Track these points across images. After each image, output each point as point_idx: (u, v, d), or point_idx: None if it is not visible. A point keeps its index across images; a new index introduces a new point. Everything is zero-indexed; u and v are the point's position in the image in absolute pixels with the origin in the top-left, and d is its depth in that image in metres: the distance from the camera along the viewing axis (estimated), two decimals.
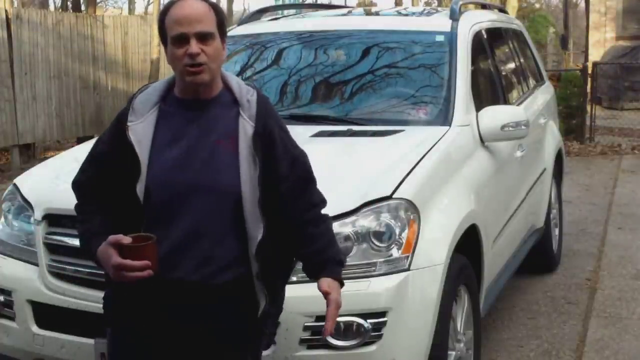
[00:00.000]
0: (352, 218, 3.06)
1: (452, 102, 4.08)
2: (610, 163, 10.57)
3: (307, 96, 4.47)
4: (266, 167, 2.34)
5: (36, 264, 3.37)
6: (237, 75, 4.59)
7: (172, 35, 2.30)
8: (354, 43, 4.65)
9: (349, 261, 3.03)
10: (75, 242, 2.96)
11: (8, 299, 3.43)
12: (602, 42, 18.88)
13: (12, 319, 3.43)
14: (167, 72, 11.23)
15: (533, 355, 4.39)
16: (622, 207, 7.81)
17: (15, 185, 3.67)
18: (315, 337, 2.96)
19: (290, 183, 2.39)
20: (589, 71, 12.68)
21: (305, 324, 2.95)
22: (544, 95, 6.07)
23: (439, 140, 3.74)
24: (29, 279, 3.38)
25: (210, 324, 2.37)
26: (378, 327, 2.96)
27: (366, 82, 4.46)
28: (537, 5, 39.97)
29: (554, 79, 11.35)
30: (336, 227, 3.02)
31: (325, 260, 2.41)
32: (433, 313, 3.13)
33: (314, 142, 3.77)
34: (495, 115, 4.15)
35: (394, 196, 3.16)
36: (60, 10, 21.54)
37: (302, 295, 2.96)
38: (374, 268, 3.03)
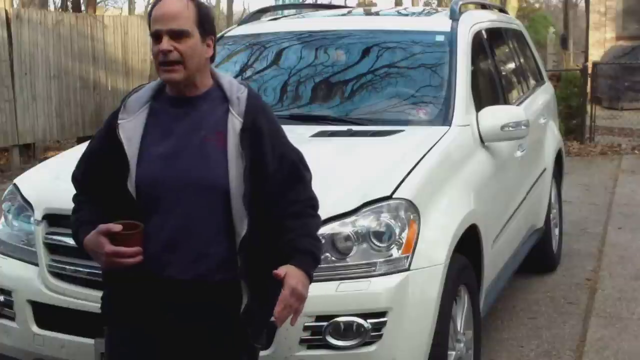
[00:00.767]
0: (352, 218, 3.06)
1: (452, 102, 4.08)
2: (610, 163, 10.57)
3: (307, 96, 4.47)
4: (254, 163, 2.33)
5: (36, 264, 3.38)
6: (237, 75, 4.64)
7: (150, 32, 2.35)
8: (354, 43, 4.65)
9: (349, 261, 3.04)
10: None
11: (8, 299, 3.43)
12: (602, 42, 18.87)
13: (12, 319, 3.43)
14: None
15: (533, 355, 4.39)
16: (622, 207, 7.81)
17: (15, 185, 3.67)
18: (315, 337, 2.96)
19: (278, 180, 2.37)
20: (589, 71, 12.68)
21: (305, 324, 2.94)
22: (544, 95, 6.07)
23: (439, 141, 3.74)
24: (29, 279, 3.38)
25: (205, 322, 2.37)
26: (378, 327, 2.96)
27: (366, 82, 4.46)
28: (537, 5, 39.99)
29: (554, 79, 11.34)
30: (336, 227, 3.04)
31: (295, 249, 2.34)
32: (433, 313, 3.13)
33: (314, 142, 3.77)
34: (495, 115, 4.15)
35: (394, 196, 3.16)
36: (60, 10, 21.53)
37: None
38: (374, 268, 3.04)
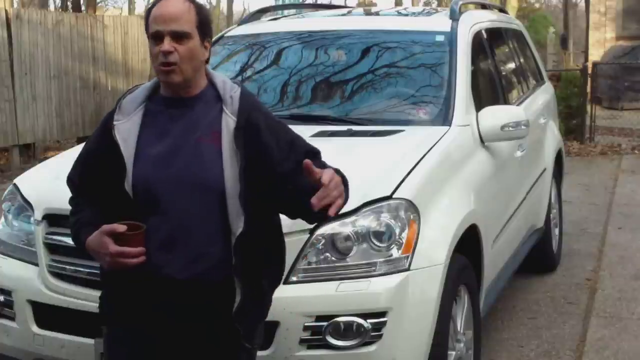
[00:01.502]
0: (352, 218, 3.06)
1: (452, 102, 4.08)
2: (610, 163, 10.57)
3: (307, 96, 4.47)
4: (253, 160, 2.32)
5: (36, 264, 3.38)
6: (237, 75, 4.64)
7: (149, 33, 2.34)
8: (354, 43, 4.65)
9: (349, 261, 3.04)
10: None
11: (8, 299, 3.43)
12: (602, 42, 18.87)
13: (12, 319, 3.43)
14: None
15: (533, 355, 4.39)
16: (622, 207, 7.81)
17: (15, 185, 3.68)
18: (315, 337, 2.96)
19: (292, 162, 2.33)
20: (589, 71, 12.68)
21: (305, 324, 2.95)
22: (544, 95, 6.07)
23: (439, 140, 3.74)
24: (29, 279, 3.38)
25: (202, 322, 2.38)
26: (378, 327, 2.96)
27: (366, 82, 4.46)
28: (537, 5, 40.01)
29: (554, 79, 11.34)
30: (336, 227, 3.04)
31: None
32: (433, 313, 3.13)
33: (314, 142, 3.72)
34: (495, 115, 4.15)
35: (394, 196, 3.16)
36: (60, 10, 21.54)
37: (302, 295, 2.97)
38: (374, 268, 3.04)
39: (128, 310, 2.40)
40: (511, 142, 4.43)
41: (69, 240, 3.22)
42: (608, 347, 4.43)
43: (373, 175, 3.31)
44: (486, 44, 4.93)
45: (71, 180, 2.54)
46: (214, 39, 4.18)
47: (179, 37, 2.30)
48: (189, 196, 2.32)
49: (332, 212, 2.19)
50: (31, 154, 12.36)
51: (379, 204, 3.11)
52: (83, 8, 18.58)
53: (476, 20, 4.86)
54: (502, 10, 6.55)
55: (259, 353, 2.92)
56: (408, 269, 3.07)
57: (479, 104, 4.24)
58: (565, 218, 6.63)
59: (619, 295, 5.25)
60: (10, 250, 3.56)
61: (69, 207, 2.53)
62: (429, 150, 3.60)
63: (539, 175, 5.37)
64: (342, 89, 4.46)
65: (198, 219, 2.33)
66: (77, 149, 4.12)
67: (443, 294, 3.18)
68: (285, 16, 5.99)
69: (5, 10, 11.86)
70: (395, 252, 3.07)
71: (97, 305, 2.53)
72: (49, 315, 3.33)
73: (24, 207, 3.52)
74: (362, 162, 3.52)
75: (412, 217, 3.15)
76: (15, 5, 16.08)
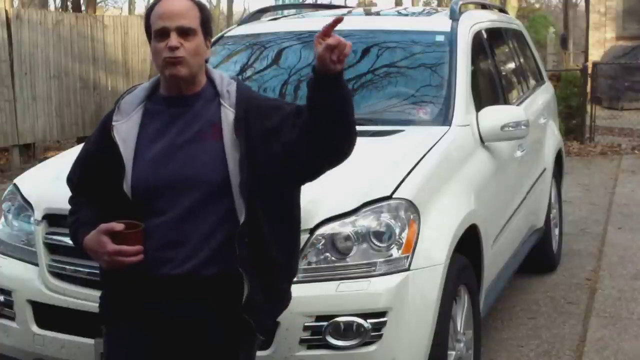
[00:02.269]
0: (352, 218, 3.06)
1: (452, 102, 4.08)
2: (610, 163, 10.57)
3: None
4: (259, 146, 2.31)
5: (36, 264, 3.38)
6: (237, 75, 4.63)
7: (154, 30, 2.34)
8: (354, 43, 4.61)
9: (349, 261, 3.04)
10: None
11: (8, 299, 3.43)
12: (602, 42, 18.87)
13: (12, 319, 3.43)
14: None
15: (533, 355, 4.38)
16: (622, 207, 7.81)
17: (15, 185, 3.67)
18: (315, 337, 2.96)
19: (301, 127, 2.30)
20: (589, 71, 12.68)
21: (305, 324, 2.95)
22: (544, 95, 6.07)
23: (439, 140, 3.74)
24: (29, 279, 3.38)
25: (201, 318, 2.38)
26: (378, 327, 2.96)
27: (366, 82, 4.46)
28: (537, 5, 40.01)
29: (554, 79, 11.34)
30: (336, 227, 3.04)
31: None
32: (433, 313, 3.13)
33: None
34: (495, 115, 4.15)
35: (394, 196, 3.16)
36: (60, 10, 21.54)
37: (302, 295, 2.96)
38: (374, 268, 3.03)
39: (127, 310, 2.41)
40: (511, 142, 4.43)
41: (69, 240, 3.22)
42: (608, 347, 4.43)
43: (373, 175, 3.31)
44: (486, 44, 4.92)
45: (70, 181, 2.55)
46: (214, 39, 4.18)
47: (185, 33, 2.32)
48: (190, 194, 2.32)
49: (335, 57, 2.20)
50: (31, 154, 12.36)
51: (379, 204, 3.11)
52: (83, 8, 18.58)
53: (476, 20, 4.86)
54: (502, 10, 6.55)
55: (259, 353, 2.93)
56: (408, 269, 3.07)
57: (479, 104, 4.24)
58: (565, 218, 6.63)
59: (619, 295, 5.25)
60: (10, 250, 3.56)
61: (69, 207, 2.53)
62: (429, 150, 3.60)
63: (539, 175, 5.37)
64: None
65: (198, 216, 2.33)
66: (77, 149, 4.12)
67: (443, 294, 3.18)
68: (285, 16, 5.99)
69: (5, 10, 11.86)
70: (395, 252, 3.07)
71: (97, 305, 2.53)
72: (49, 315, 3.33)
73: (24, 207, 3.51)
74: (362, 162, 3.51)
75: (412, 217, 3.15)
76: (15, 5, 16.07)
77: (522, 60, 5.90)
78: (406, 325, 3.03)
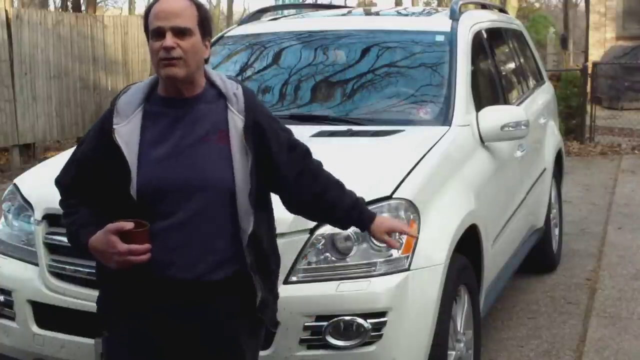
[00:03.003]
0: None
1: (452, 102, 4.08)
2: (610, 163, 10.57)
3: (307, 96, 4.47)
4: (260, 159, 2.37)
5: (36, 264, 3.37)
6: (237, 75, 4.64)
7: (150, 29, 2.33)
8: (354, 43, 4.65)
9: (349, 261, 3.04)
10: None
11: (8, 299, 3.43)
12: (602, 42, 18.86)
13: (12, 319, 3.43)
14: None
15: (533, 355, 4.38)
16: (622, 207, 7.81)
17: (15, 185, 3.67)
18: (315, 337, 2.96)
19: (292, 166, 2.46)
20: (589, 71, 12.68)
21: (305, 324, 2.95)
22: (544, 95, 6.07)
23: (439, 140, 3.74)
24: (29, 279, 3.38)
25: (210, 320, 2.38)
26: (378, 327, 2.96)
27: (366, 82, 4.46)
28: (537, 5, 40.02)
29: (554, 79, 11.34)
30: None
31: (362, 210, 2.57)
32: (433, 313, 3.13)
33: (314, 142, 3.74)
34: (495, 115, 4.15)
35: (394, 196, 3.16)
36: (60, 10, 21.54)
37: (302, 295, 2.97)
38: (374, 268, 3.03)
39: (129, 311, 2.40)
40: (511, 142, 4.43)
41: None
42: (608, 347, 4.43)
43: (373, 175, 3.31)
44: (486, 44, 4.92)
45: (59, 183, 2.50)
46: (214, 39, 4.18)
47: (181, 33, 2.30)
48: (196, 197, 2.32)
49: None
50: (31, 154, 12.35)
51: (379, 204, 3.10)
52: (83, 8, 18.58)
53: (476, 20, 4.86)
54: (502, 10, 6.54)
55: (259, 353, 2.93)
56: (408, 269, 3.07)
57: (479, 104, 4.24)
58: (565, 218, 6.63)
59: (619, 295, 5.25)
60: (10, 250, 3.56)
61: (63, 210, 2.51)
62: (429, 150, 3.60)
63: (539, 175, 5.37)
64: (342, 89, 4.46)
65: (204, 219, 2.33)
66: None
67: (443, 294, 3.18)
68: (285, 16, 5.99)
69: (5, 11, 11.85)
70: (395, 252, 3.07)
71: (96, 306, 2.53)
72: (49, 315, 3.33)
73: (24, 207, 3.51)
74: (362, 162, 3.52)
75: (412, 217, 3.15)
76: (15, 5, 16.07)
77: (522, 60, 5.90)
78: (406, 325, 3.03)
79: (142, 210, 2.31)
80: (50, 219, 3.34)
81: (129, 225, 2.25)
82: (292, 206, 2.58)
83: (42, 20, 12.56)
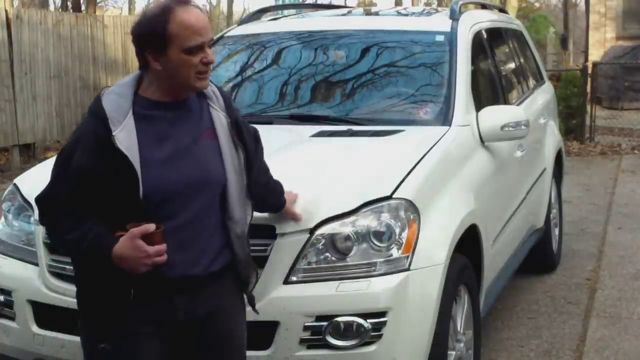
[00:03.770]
0: (352, 218, 3.06)
1: (452, 102, 4.08)
2: (610, 163, 10.57)
3: (307, 96, 4.47)
4: (242, 150, 2.53)
5: (36, 264, 3.37)
6: (237, 75, 4.64)
7: (192, 45, 2.31)
8: (354, 43, 4.65)
9: (349, 261, 3.04)
10: None
11: (8, 299, 3.43)
12: (602, 42, 18.86)
13: (12, 319, 3.43)
14: None
15: (533, 355, 4.39)
16: (622, 207, 7.81)
17: (15, 185, 3.67)
18: (315, 337, 2.96)
19: (258, 155, 2.72)
20: (589, 71, 12.68)
21: (305, 324, 2.95)
22: (544, 95, 6.07)
23: (439, 140, 3.74)
24: (29, 279, 3.38)
25: (211, 311, 2.48)
26: (378, 327, 2.96)
27: (366, 82, 4.46)
28: (537, 5, 40.03)
29: (554, 79, 11.34)
30: (336, 227, 3.04)
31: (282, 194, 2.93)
32: (433, 313, 3.13)
33: (314, 142, 3.77)
34: (495, 115, 4.15)
35: (394, 196, 3.16)
36: (60, 10, 21.54)
37: (302, 295, 2.97)
38: (374, 268, 3.03)
39: (135, 317, 2.39)
40: (511, 142, 4.42)
41: None
42: (608, 347, 4.43)
43: (373, 175, 3.31)
44: (486, 44, 4.92)
45: (49, 199, 2.40)
46: (214, 39, 4.20)
47: (209, 46, 2.38)
48: (197, 195, 2.39)
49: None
50: (31, 154, 12.36)
51: (379, 204, 3.11)
52: (83, 8, 18.57)
53: (476, 20, 4.86)
54: (502, 10, 6.55)
55: (259, 353, 2.93)
56: (408, 269, 3.07)
57: (479, 104, 4.24)
58: (565, 218, 6.63)
59: (619, 295, 5.25)
60: (10, 250, 3.56)
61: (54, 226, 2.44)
62: (429, 150, 3.60)
63: (539, 175, 5.37)
64: (342, 89, 4.46)
65: (205, 215, 2.42)
66: None
67: (443, 294, 3.18)
68: (285, 16, 5.99)
69: (6, 10, 11.86)
70: (395, 252, 3.07)
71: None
72: (49, 315, 3.33)
73: (24, 207, 3.51)
74: (362, 162, 3.52)
75: (412, 217, 3.15)
76: (15, 5, 16.07)
77: (522, 60, 5.90)
78: (406, 325, 3.03)
79: (146, 213, 2.30)
80: None
81: (152, 227, 2.25)
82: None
83: (42, 20, 12.57)
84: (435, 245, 3.21)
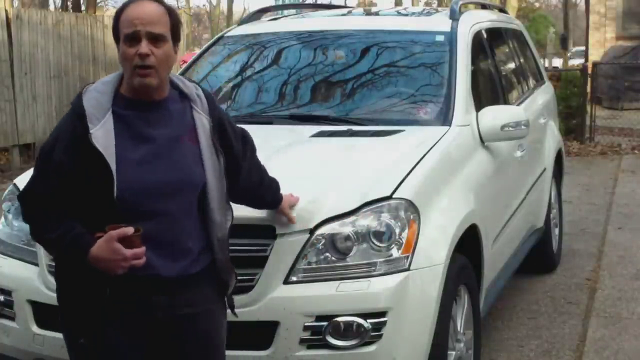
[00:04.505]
0: (352, 218, 3.06)
1: (452, 102, 4.08)
2: (610, 163, 10.57)
3: (307, 96, 4.47)
4: (227, 154, 2.51)
5: (36, 264, 3.37)
6: (237, 75, 4.64)
7: (125, 34, 2.31)
8: (353, 43, 4.65)
9: (349, 261, 3.04)
10: None
11: (8, 299, 3.43)
12: (602, 42, 18.87)
13: (12, 319, 3.43)
14: None
15: (533, 355, 4.39)
16: (622, 207, 7.81)
17: (15, 185, 3.67)
18: (315, 337, 2.96)
19: (248, 156, 2.69)
20: (589, 71, 12.68)
21: (305, 324, 2.95)
22: (543, 95, 6.07)
23: (439, 140, 3.74)
24: (29, 279, 3.38)
25: (190, 313, 2.45)
26: (378, 327, 2.96)
27: (366, 82, 4.46)
28: (537, 5, 40.04)
29: (554, 79, 11.34)
30: (336, 227, 3.04)
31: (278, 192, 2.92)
32: (433, 313, 3.13)
33: (314, 142, 3.77)
34: (495, 115, 4.15)
35: (394, 196, 3.16)
36: (60, 10, 21.54)
37: (302, 295, 2.97)
38: (374, 268, 3.03)
39: (112, 314, 2.38)
40: (511, 142, 4.43)
41: None
42: (608, 347, 4.43)
43: (373, 175, 3.31)
44: (486, 44, 4.92)
45: (31, 196, 2.38)
46: (214, 39, 4.19)
47: (156, 39, 2.30)
48: (176, 196, 2.37)
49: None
50: (31, 154, 12.35)
51: (379, 204, 3.11)
52: (83, 8, 18.57)
53: (476, 20, 4.86)
54: (502, 10, 6.55)
55: (259, 353, 2.93)
56: (408, 269, 3.07)
57: (479, 104, 4.24)
58: (565, 218, 6.63)
59: (619, 295, 5.25)
60: (10, 250, 3.56)
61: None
62: (429, 150, 3.60)
63: (539, 175, 5.37)
64: (342, 89, 4.46)
65: (183, 217, 2.40)
66: None
67: (443, 293, 3.18)
68: (285, 16, 5.99)
69: (5, 10, 11.86)
70: (395, 252, 3.07)
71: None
72: (49, 315, 3.32)
73: None
74: (362, 162, 3.52)
75: (412, 217, 3.15)
76: (15, 5, 16.07)
77: (522, 60, 5.90)
78: (406, 325, 3.03)
79: (121, 214, 2.29)
80: None
81: (130, 230, 2.24)
82: (236, 194, 2.66)
83: (42, 20, 12.57)
84: (435, 245, 3.21)
